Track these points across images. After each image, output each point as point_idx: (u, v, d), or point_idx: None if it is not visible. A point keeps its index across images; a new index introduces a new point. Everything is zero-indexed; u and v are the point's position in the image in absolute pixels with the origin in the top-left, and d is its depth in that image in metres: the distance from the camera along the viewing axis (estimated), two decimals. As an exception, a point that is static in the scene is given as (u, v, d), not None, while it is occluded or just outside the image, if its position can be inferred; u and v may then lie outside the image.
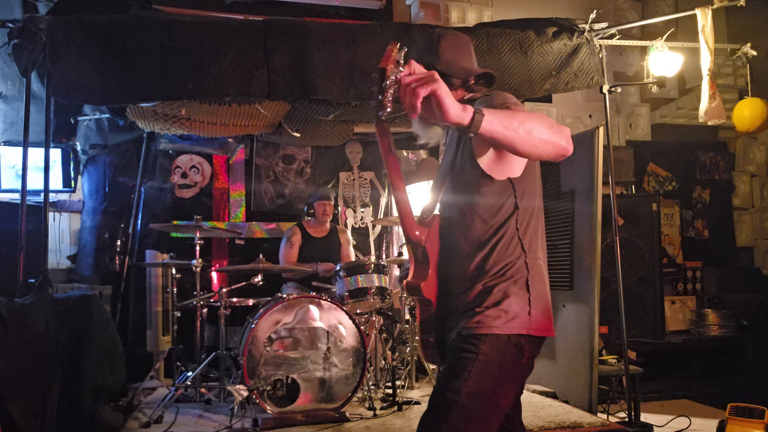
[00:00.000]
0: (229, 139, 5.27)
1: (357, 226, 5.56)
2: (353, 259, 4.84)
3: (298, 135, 4.69)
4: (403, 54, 1.37)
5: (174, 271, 4.13)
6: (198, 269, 3.86)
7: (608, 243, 4.36)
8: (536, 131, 1.46)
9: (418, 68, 1.45)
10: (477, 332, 1.60)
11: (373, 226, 5.58)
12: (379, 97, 1.40)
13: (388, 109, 1.43)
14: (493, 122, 1.41)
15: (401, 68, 1.36)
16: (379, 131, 1.53)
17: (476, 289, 1.65)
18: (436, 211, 1.78)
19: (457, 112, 1.38)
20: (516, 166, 1.66)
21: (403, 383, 4.23)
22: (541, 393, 4.10)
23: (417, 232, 1.63)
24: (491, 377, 1.58)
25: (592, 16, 3.84)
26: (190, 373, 3.83)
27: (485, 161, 1.64)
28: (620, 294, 3.82)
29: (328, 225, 4.71)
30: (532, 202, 1.71)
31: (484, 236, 1.66)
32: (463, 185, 1.69)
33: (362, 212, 5.58)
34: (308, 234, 4.62)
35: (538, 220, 1.72)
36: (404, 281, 1.67)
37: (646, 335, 5.15)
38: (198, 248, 3.86)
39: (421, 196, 4.91)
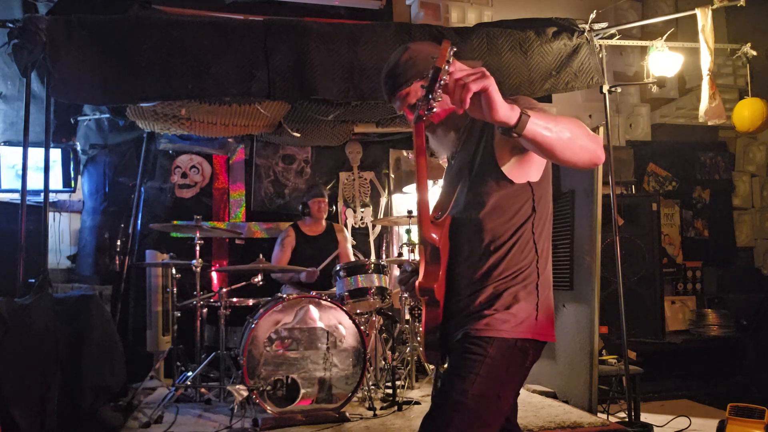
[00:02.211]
0: (229, 139, 5.27)
1: (357, 226, 5.56)
2: (352, 257, 4.84)
3: (298, 135, 4.69)
4: (452, 53, 1.36)
5: (174, 271, 4.13)
6: (198, 269, 3.85)
7: (608, 243, 4.36)
8: (576, 137, 1.44)
9: (461, 67, 1.43)
10: (485, 335, 1.60)
11: (373, 226, 5.57)
12: (429, 96, 1.38)
13: (435, 110, 1.41)
14: (537, 124, 1.39)
15: (448, 67, 1.35)
16: (417, 130, 1.53)
17: (486, 291, 1.64)
18: (446, 213, 1.77)
19: (506, 111, 1.36)
20: (536, 171, 1.65)
21: (403, 383, 4.23)
22: (541, 393, 4.10)
23: (433, 234, 1.62)
24: (497, 380, 1.58)
25: (592, 16, 3.84)
26: (190, 373, 3.83)
27: (507, 165, 1.62)
28: (620, 294, 3.82)
29: (324, 223, 4.72)
30: (547, 207, 1.70)
31: (500, 239, 1.65)
32: (482, 188, 1.66)
33: (362, 212, 5.58)
34: (303, 233, 4.62)
35: (550, 225, 1.72)
36: (417, 283, 1.65)
37: (646, 335, 5.15)
38: (198, 248, 3.85)
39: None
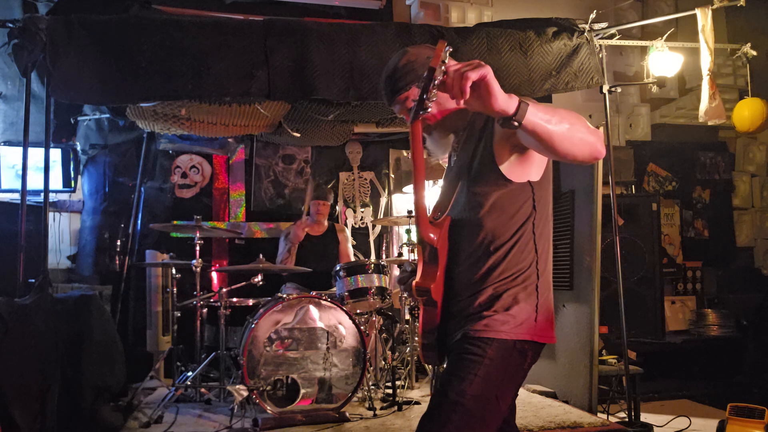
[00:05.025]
0: (229, 139, 5.27)
1: (357, 226, 5.56)
2: (352, 257, 4.84)
3: (298, 135, 4.69)
4: (448, 53, 1.37)
5: (174, 271, 4.13)
6: (198, 269, 3.85)
7: (608, 243, 4.36)
8: (576, 130, 1.43)
9: (455, 65, 1.43)
10: (484, 336, 1.59)
11: (373, 226, 5.57)
12: (424, 96, 1.39)
13: (430, 109, 1.43)
14: (536, 114, 1.38)
15: (443, 67, 1.37)
16: (414, 130, 1.53)
17: (486, 292, 1.63)
18: (445, 214, 1.76)
19: (504, 99, 1.36)
20: (536, 170, 1.65)
21: (403, 383, 4.23)
22: (541, 393, 4.10)
23: (431, 234, 1.62)
24: (495, 381, 1.57)
25: (592, 16, 3.84)
26: (190, 373, 3.83)
27: (506, 163, 1.61)
28: (620, 294, 3.82)
29: (325, 223, 4.72)
30: (548, 207, 1.70)
31: (500, 239, 1.64)
32: (481, 188, 1.66)
33: (362, 212, 5.58)
34: (305, 233, 4.61)
35: (550, 226, 1.72)
36: (413, 283, 1.65)
37: (646, 335, 5.15)
38: (198, 248, 3.86)
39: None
